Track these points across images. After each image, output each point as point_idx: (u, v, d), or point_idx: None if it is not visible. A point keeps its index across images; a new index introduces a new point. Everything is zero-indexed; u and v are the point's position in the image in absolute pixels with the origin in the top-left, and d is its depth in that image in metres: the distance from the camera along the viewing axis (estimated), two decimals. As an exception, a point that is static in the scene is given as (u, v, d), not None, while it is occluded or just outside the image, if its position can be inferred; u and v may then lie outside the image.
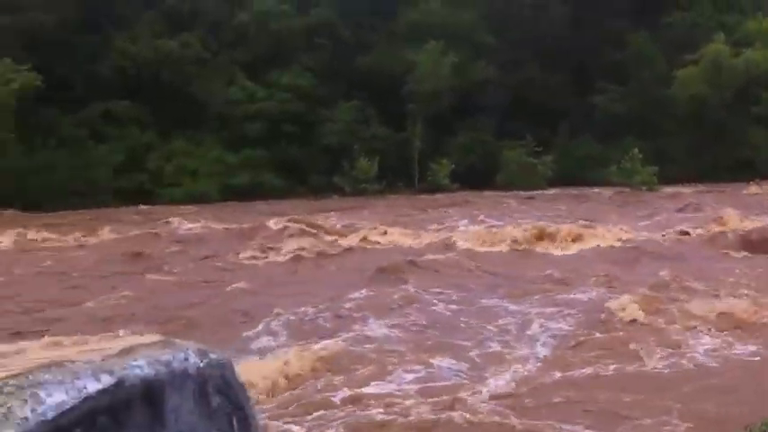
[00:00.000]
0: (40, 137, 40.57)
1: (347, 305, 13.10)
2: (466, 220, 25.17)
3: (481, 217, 25.81)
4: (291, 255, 19.06)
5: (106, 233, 25.26)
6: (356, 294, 13.77)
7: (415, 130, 49.48)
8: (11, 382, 2.87)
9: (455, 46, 49.25)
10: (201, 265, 18.86)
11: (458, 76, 49.07)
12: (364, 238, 21.08)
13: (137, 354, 3.30)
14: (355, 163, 45.64)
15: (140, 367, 3.14)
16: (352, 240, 20.66)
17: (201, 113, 46.21)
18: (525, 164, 48.42)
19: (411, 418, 8.27)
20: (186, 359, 3.36)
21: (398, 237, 21.35)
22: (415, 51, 48.90)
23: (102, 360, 3.20)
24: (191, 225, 27.70)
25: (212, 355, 3.53)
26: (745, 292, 13.79)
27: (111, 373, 3.06)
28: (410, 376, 9.52)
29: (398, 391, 9.07)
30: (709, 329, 11.29)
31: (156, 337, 3.74)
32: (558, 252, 19.28)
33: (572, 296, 13.89)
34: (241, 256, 19.52)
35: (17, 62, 38.25)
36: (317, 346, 10.47)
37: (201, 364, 3.39)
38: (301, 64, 49.36)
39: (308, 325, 11.90)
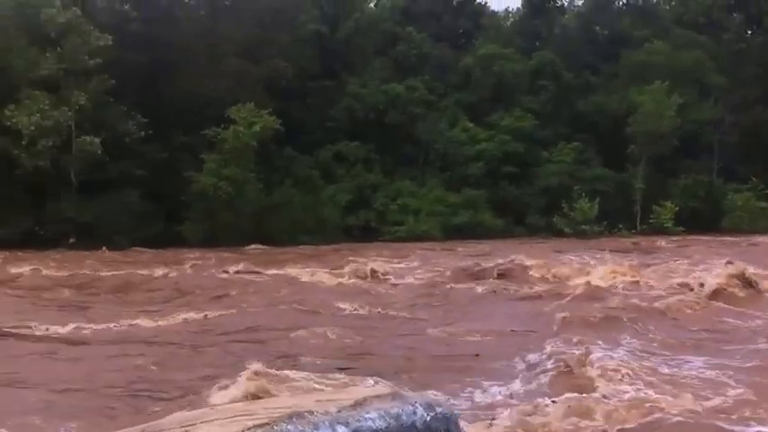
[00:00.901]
0: (278, 176, 43.42)
1: (609, 353, 11.17)
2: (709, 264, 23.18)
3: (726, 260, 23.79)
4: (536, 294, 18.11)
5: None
6: (621, 342, 12.18)
7: (637, 171, 48.34)
8: (258, 431, 3.30)
9: (680, 86, 47.74)
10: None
11: (683, 116, 47.48)
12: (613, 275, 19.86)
13: (369, 406, 3.70)
14: (575, 204, 45.15)
15: (372, 420, 3.54)
16: (595, 281, 19.08)
17: (425, 154, 47.73)
18: (754, 207, 45.93)
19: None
20: (414, 412, 3.71)
21: (647, 278, 19.87)
22: (638, 92, 47.94)
23: (338, 412, 3.62)
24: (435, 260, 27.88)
25: (439, 409, 3.86)
26: None
27: (346, 424, 3.47)
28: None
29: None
30: None
31: (385, 389, 4.14)
32: None
33: None
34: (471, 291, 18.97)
35: (259, 106, 41.29)
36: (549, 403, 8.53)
37: (428, 418, 3.73)
38: (523, 106, 49.79)
39: (544, 377, 10.10)
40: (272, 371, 9.07)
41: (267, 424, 3.32)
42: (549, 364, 10.47)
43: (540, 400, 8.57)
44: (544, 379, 9.88)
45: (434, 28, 53.26)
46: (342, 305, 16.67)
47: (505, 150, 47.61)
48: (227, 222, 39.67)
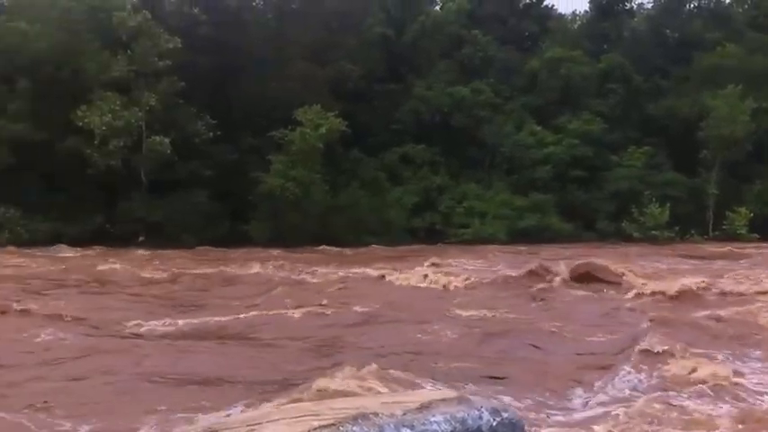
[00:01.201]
0: (344, 178, 43.61)
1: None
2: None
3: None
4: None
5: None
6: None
7: (710, 176, 47.21)
8: (324, 431, 3.23)
9: (754, 90, 46.52)
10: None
11: (757, 121, 46.31)
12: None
13: (435, 410, 3.56)
14: (645, 209, 44.32)
15: (438, 423, 3.40)
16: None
17: (491, 157, 47.41)
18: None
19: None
20: (480, 417, 3.57)
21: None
22: (711, 96, 46.84)
23: (404, 414, 3.50)
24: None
25: (505, 414, 3.71)
26: None
27: (411, 427, 3.35)
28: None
29: None
30: None
31: (451, 393, 4.00)
32: None
33: None
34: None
35: (325, 109, 41.56)
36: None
37: (494, 423, 3.58)
38: (591, 109, 49.07)
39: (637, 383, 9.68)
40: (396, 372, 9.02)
41: (333, 425, 3.25)
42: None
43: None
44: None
45: (500, 31, 52.85)
46: (445, 306, 16.33)
47: (573, 154, 46.93)
48: (294, 223, 39.94)
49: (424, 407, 3.51)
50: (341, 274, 23.16)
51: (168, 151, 39.29)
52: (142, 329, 13.66)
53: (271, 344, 12.56)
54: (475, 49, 50.74)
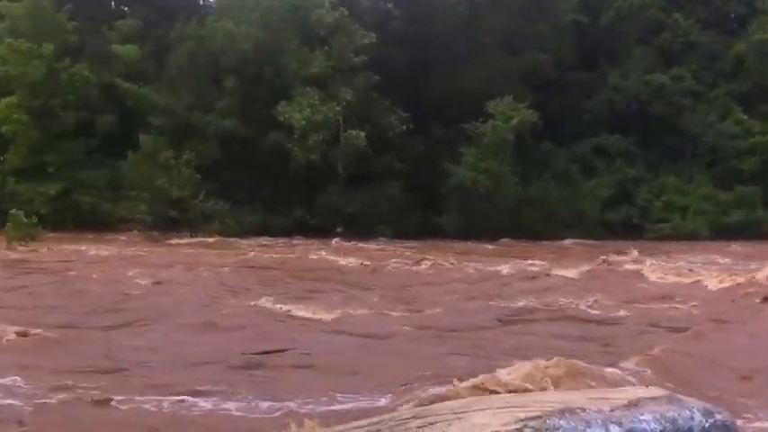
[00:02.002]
0: (535, 170, 43.11)
1: None
2: None
3: None
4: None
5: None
6: None
7: None
8: (530, 424, 3.27)
9: None
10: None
11: None
12: None
13: (643, 408, 3.50)
14: None
15: (647, 422, 3.34)
16: None
17: (692, 148, 45.19)
18: None
19: None
20: (692, 418, 3.47)
21: None
22: None
23: (611, 411, 3.46)
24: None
25: (718, 416, 3.58)
26: None
27: (619, 424, 3.31)
28: None
29: None
30: None
31: (660, 392, 3.90)
32: None
33: None
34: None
35: (517, 99, 41.25)
36: None
37: (706, 425, 3.47)
38: (807, 94, 45.64)
39: None
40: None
41: (539, 417, 3.28)
42: None
43: None
44: None
45: (702, 13, 50.13)
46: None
47: (785, 144, 43.88)
48: (484, 215, 39.99)
49: (633, 404, 3.46)
50: (586, 267, 22.70)
51: (364, 145, 40.42)
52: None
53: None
54: (675, 33, 48.46)
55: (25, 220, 32.23)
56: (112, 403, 8.03)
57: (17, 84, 43.31)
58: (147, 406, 8.01)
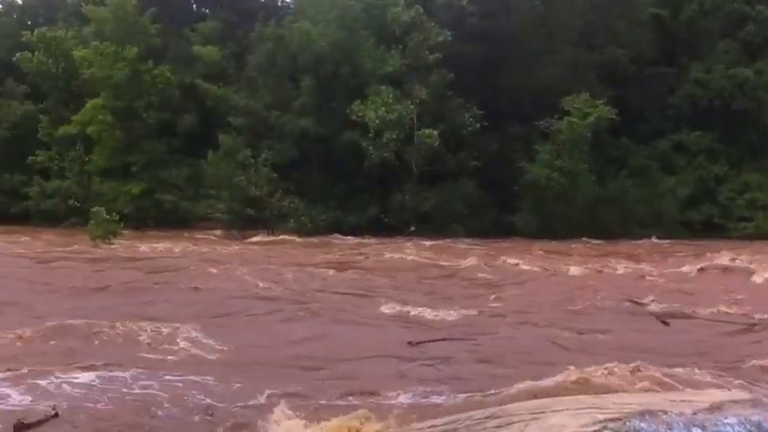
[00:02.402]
0: (612, 167, 42.40)
1: None
2: None
3: None
4: None
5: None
6: None
7: None
8: (609, 425, 3.29)
9: None
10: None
11: None
12: None
13: (727, 411, 3.50)
14: None
15: (731, 425, 3.34)
16: None
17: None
18: None
19: None
20: (777, 422, 3.44)
21: None
22: None
23: (694, 414, 3.47)
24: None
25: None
26: None
27: (702, 428, 3.32)
28: None
29: None
30: None
31: (744, 395, 3.88)
32: None
33: None
34: None
35: (593, 95, 40.62)
36: None
37: (795, 429, 3.43)
38: None
39: None
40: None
41: (618, 419, 3.26)
42: None
43: None
44: None
45: (790, 4, 48.43)
46: None
47: None
48: (559, 214, 39.58)
49: (715, 407, 3.44)
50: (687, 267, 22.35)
51: (437, 143, 40.38)
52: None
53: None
54: (759, 26, 46.95)
55: (107, 217, 33.22)
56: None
57: (102, 86, 44.70)
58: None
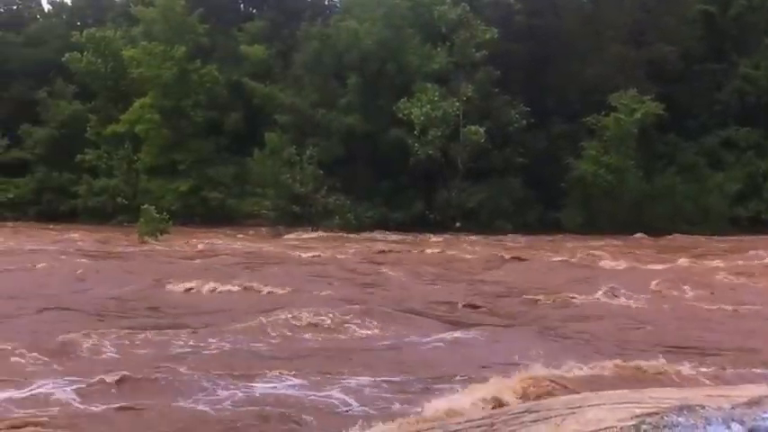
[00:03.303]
0: (660, 164, 41.95)
1: None
2: None
3: None
4: None
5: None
6: None
7: None
8: (647, 420, 3.31)
9: None
10: None
11: None
12: None
13: (766, 406, 3.49)
14: None
15: (771, 419, 3.32)
16: None
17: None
18: None
19: None
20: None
21: None
22: None
23: (732, 408, 3.48)
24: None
25: None
26: None
27: (741, 422, 3.32)
28: None
29: None
30: None
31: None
32: None
33: None
34: None
35: (641, 92, 40.22)
36: None
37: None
38: None
39: None
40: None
41: (656, 414, 3.21)
42: None
43: None
44: None
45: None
46: None
47: None
48: (606, 210, 39.33)
49: (754, 402, 3.43)
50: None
51: (483, 140, 40.32)
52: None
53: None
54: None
55: (156, 215, 33.76)
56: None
57: (150, 85, 45.39)
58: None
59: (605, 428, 3.03)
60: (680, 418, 3.13)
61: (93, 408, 7.65)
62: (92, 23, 52.41)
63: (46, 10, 57.78)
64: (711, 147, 43.38)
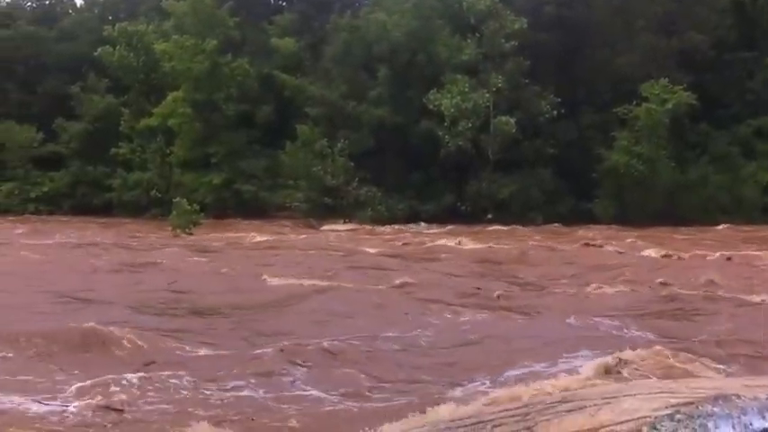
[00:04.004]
0: (692, 153, 41.62)
1: None
2: None
3: None
4: None
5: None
6: None
7: None
8: (682, 410, 3.37)
9: None
10: None
11: None
12: None
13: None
14: None
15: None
16: None
17: None
18: None
19: None
20: None
21: None
22: None
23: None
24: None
25: None
26: None
27: (776, 413, 3.36)
28: None
29: None
30: None
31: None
32: None
33: None
34: None
35: (672, 81, 39.90)
36: None
37: None
38: None
39: None
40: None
41: (691, 403, 3.09)
42: None
43: None
44: None
45: None
46: None
47: None
48: (638, 201, 39.11)
49: None
50: None
51: (513, 131, 40.26)
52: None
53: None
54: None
55: (189, 208, 34.13)
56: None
57: (182, 78, 45.77)
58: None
59: (640, 418, 3.05)
60: (715, 408, 3.09)
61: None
62: (124, 18, 52.98)
63: (78, 5, 58.72)
64: (744, 136, 42.88)
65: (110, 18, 54.29)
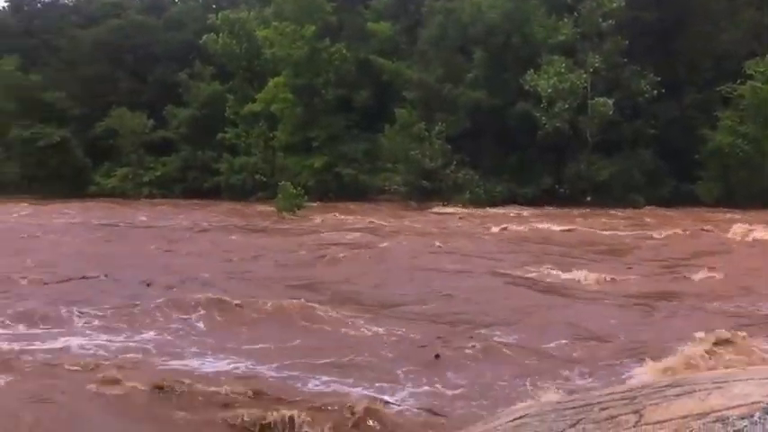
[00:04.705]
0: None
1: None
2: None
3: None
4: None
5: None
6: None
7: None
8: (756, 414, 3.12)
9: None
10: None
11: None
12: None
13: None
14: None
15: None
16: None
17: None
18: None
19: None
20: None
21: None
22: None
23: None
24: None
25: None
26: None
27: None
28: None
29: None
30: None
31: None
32: None
33: None
34: None
35: None
36: None
37: None
38: None
39: None
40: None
41: None
42: None
43: None
44: None
45: None
46: None
47: None
48: (744, 181, 38.22)
49: None
50: None
51: (611, 112, 39.89)
52: None
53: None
54: None
55: (294, 191, 35.19)
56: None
57: (283, 64, 46.88)
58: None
59: (753, 403, 2.87)
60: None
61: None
62: (226, 6, 54.52)
63: (183, -6, 60.38)
64: None
65: (213, 6, 55.99)
